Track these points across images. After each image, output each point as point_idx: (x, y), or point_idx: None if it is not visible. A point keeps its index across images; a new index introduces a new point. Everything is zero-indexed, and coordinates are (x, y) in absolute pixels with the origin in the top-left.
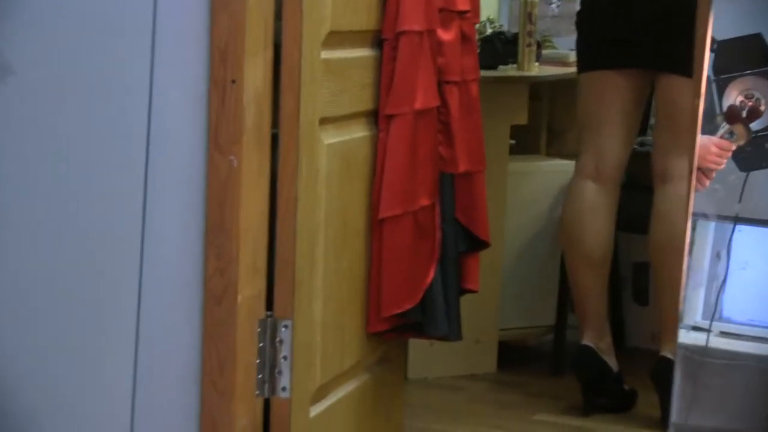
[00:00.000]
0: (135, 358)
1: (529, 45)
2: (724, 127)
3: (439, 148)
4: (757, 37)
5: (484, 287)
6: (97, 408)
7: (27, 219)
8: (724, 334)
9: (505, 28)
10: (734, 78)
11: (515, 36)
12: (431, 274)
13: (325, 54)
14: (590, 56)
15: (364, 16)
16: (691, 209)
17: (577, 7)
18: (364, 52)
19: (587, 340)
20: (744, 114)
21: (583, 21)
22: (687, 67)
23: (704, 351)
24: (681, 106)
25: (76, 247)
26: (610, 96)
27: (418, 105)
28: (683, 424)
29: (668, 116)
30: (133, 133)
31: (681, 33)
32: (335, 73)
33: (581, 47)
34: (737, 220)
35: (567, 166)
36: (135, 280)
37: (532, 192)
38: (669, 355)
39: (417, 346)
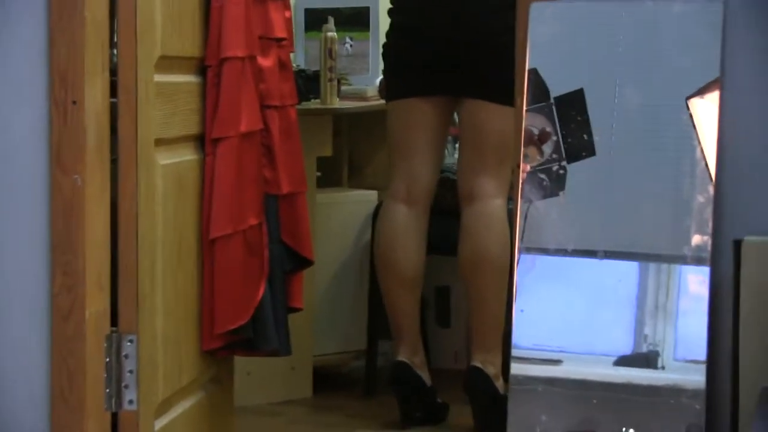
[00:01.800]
0: None
1: (331, 80)
2: None
3: (263, 171)
4: (533, 72)
5: (298, 315)
6: None
7: None
8: (514, 359)
9: (303, 67)
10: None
11: (315, 73)
12: (261, 291)
13: (157, 77)
14: (397, 85)
15: (189, 42)
16: (518, 243)
17: (370, 47)
18: (190, 78)
19: (402, 356)
20: (536, 136)
21: (388, 52)
22: (489, 92)
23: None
24: (484, 129)
25: None
26: (418, 122)
27: (243, 128)
28: None
29: (472, 139)
30: None
31: (482, 61)
32: (166, 96)
33: (388, 77)
34: (520, 249)
35: (370, 196)
36: None
37: (339, 222)
38: (478, 365)
39: (235, 374)
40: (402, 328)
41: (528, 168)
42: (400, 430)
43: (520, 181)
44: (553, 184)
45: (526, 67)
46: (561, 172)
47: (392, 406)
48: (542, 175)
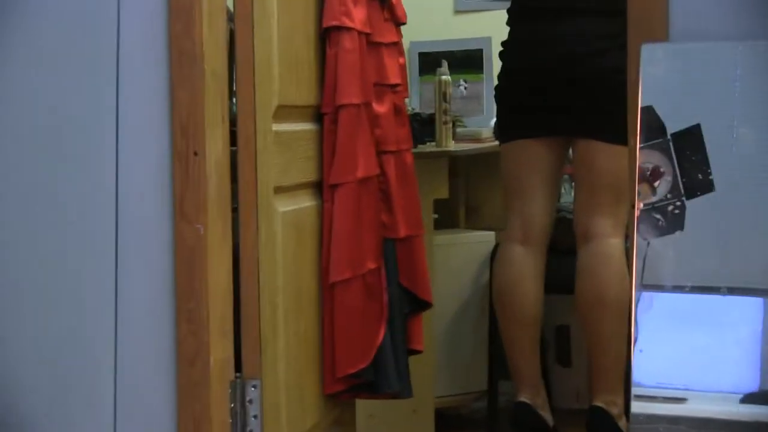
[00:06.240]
0: (114, 419)
1: (446, 122)
2: None
3: (380, 215)
4: (649, 109)
5: (419, 357)
6: None
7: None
8: (637, 397)
9: (418, 110)
10: None
11: (430, 116)
12: (381, 334)
13: (275, 126)
14: (511, 127)
15: (305, 91)
16: (634, 280)
17: (484, 88)
18: (307, 126)
19: (523, 397)
20: (648, 174)
21: (501, 94)
22: (603, 132)
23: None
24: (598, 169)
25: (53, 317)
26: (532, 164)
27: (360, 173)
28: None
29: (587, 179)
30: (102, 205)
31: (594, 101)
32: (284, 144)
33: (502, 119)
34: (642, 287)
35: (487, 236)
36: (111, 346)
37: (457, 263)
38: (601, 405)
39: (358, 417)
40: (522, 369)
41: (641, 206)
42: None
43: (635, 219)
44: (669, 222)
45: (639, 108)
46: (676, 211)
47: None
48: (657, 215)
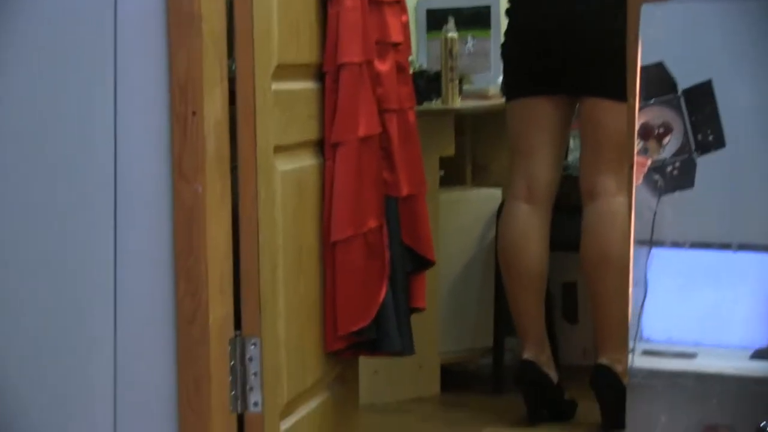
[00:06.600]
0: (114, 380)
1: (452, 80)
2: (639, 144)
3: (382, 173)
4: (660, 66)
5: (424, 313)
6: (77, 429)
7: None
8: (647, 353)
9: (425, 67)
10: (641, 108)
11: (437, 74)
12: (383, 293)
13: (275, 86)
14: (517, 85)
15: (306, 50)
16: (633, 237)
17: (492, 45)
18: (308, 85)
19: (528, 355)
20: (656, 131)
21: (507, 52)
22: (609, 90)
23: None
24: (605, 127)
25: (51, 277)
26: (539, 121)
27: (362, 132)
28: None
29: (593, 136)
30: (100, 166)
31: (600, 59)
32: (284, 104)
33: (508, 77)
34: (652, 243)
35: (494, 194)
36: (110, 306)
37: (463, 220)
38: (606, 362)
39: (362, 373)
40: (527, 327)
41: (649, 162)
42: (527, 427)
43: (635, 176)
44: (677, 179)
45: (638, 68)
46: (675, 172)
47: (520, 402)
48: (661, 173)
